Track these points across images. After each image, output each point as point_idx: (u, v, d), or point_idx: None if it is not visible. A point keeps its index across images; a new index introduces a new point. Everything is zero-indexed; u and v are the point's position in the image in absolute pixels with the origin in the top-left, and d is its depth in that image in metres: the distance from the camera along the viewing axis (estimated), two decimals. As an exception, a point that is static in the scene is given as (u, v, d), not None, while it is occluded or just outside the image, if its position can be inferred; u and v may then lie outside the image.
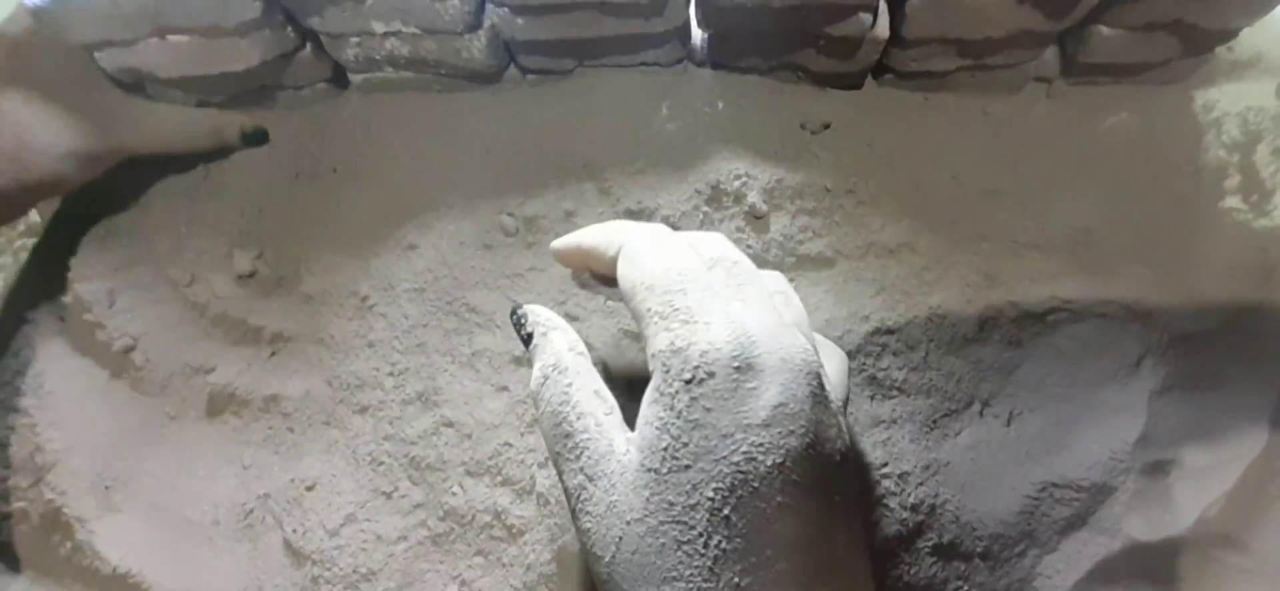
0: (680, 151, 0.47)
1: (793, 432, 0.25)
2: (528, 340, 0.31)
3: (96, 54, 0.46)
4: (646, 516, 0.25)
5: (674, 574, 0.24)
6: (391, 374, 0.45)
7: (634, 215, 0.46)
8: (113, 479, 0.46)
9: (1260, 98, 0.50)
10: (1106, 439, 0.44)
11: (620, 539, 0.25)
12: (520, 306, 0.32)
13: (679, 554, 0.24)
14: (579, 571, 0.41)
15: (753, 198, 0.45)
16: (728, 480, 0.24)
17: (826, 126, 0.48)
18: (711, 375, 0.25)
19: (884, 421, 0.43)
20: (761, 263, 0.45)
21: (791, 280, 0.45)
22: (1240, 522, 0.44)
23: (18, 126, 0.43)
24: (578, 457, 0.27)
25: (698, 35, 0.49)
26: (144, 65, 0.46)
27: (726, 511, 0.24)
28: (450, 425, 0.44)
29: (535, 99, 0.50)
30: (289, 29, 0.46)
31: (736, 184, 0.45)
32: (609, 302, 0.45)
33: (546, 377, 0.29)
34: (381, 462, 0.44)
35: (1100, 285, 0.46)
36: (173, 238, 0.50)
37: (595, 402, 0.28)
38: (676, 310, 0.26)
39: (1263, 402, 0.46)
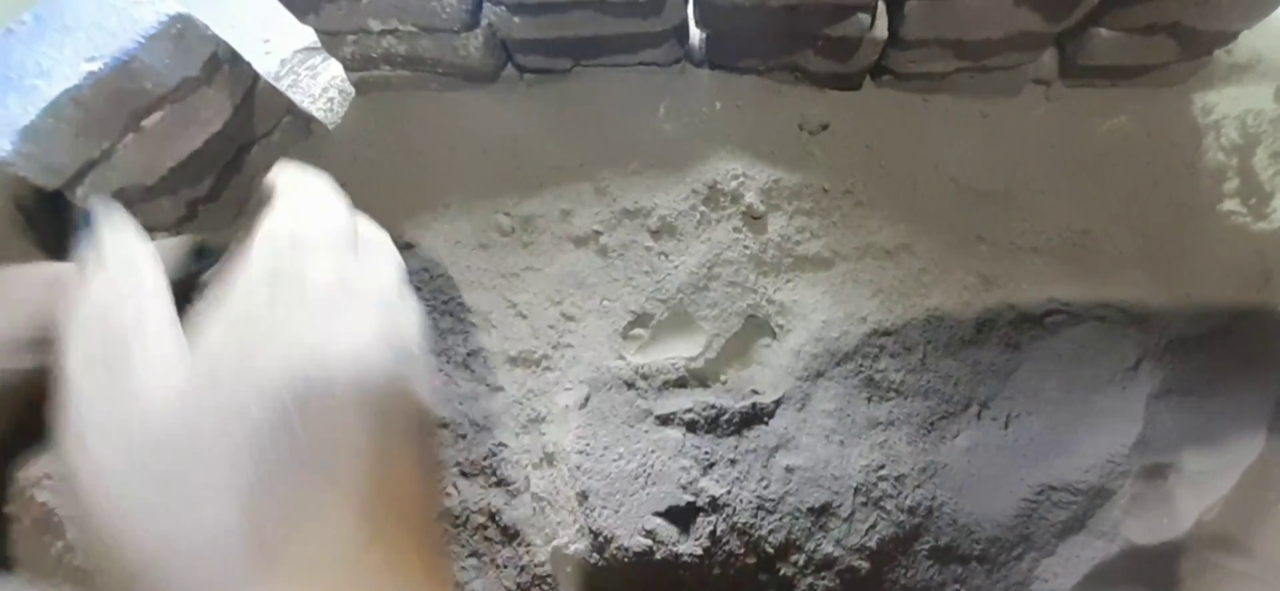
0: (677, 151, 0.46)
1: (370, 362, 0.24)
2: (88, 228, 0.27)
3: (78, 190, 0.41)
4: (195, 419, 0.22)
5: (218, 480, 0.21)
6: (386, 373, 0.45)
7: (630, 215, 0.45)
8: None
9: (1259, 101, 0.49)
10: (1104, 442, 0.44)
11: (158, 444, 0.22)
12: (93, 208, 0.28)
13: (226, 459, 0.22)
14: (575, 573, 0.41)
15: (750, 197, 0.45)
16: (292, 390, 0.22)
17: (825, 127, 0.48)
18: (280, 282, 0.24)
19: (881, 423, 0.43)
20: (759, 264, 0.45)
21: (789, 282, 0.45)
22: (1239, 526, 0.44)
23: None
24: (124, 362, 0.23)
25: (696, 35, 0.49)
26: (129, 178, 0.42)
27: (282, 422, 0.22)
28: (445, 425, 0.43)
29: (532, 98, 0.49)
30: (240, 63, 0.46)
31: (734, 184, 0.45)
32: (605, 302, 0.45)
33: (109, 271, 0.25)
34: (375, 463, 0.43)
35: (1098, 288, 0.46)
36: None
37: (162, 306, 0.24)
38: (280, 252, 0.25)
39: (1260, 406, 0.45)
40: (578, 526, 0.41)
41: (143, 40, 0.38)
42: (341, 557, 0.22)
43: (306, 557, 0.22)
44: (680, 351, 0.44)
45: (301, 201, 0.28)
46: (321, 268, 0.26)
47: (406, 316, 0.27)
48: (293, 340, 0.23)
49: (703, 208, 0.45)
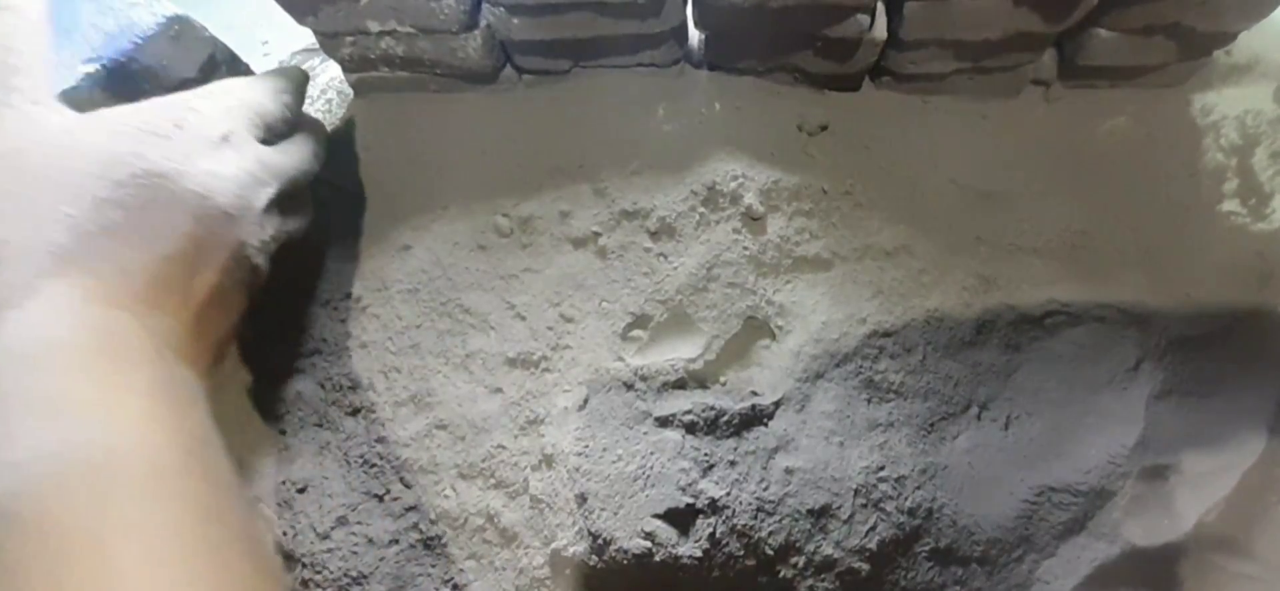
0: (677, 152, 0.46)
1: (217, 196, 0.31)
2: None
3: None
4: (70, 150, 0.29)
5: (62, 205, 0.27)
6: (384, 375, 0.44)
7: (629, 216, 0.45)
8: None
9: (1258, 101, 0.49)
10: (1105, 443, 0.44)
11: (30, 158, 0.28)
12: None
13: (76, 194, 0.28)
14: (574, 575, 0.41)
15: (749, 198, 0.45)
16: (151, 172, 0.29)
17: (824, 128, 0.48)
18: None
19: (881, 424, 0.43)
20: (758, 266, 0.44)
21: (788, 283, 0.45)
22: (1240, 528, 0.43)
23: None
24: (13, 74, 0.30)
25: (695, 36, 0.49)
26: None
27: (131, 189, 0.29)
28: (443, 427, 0.43)
29: (531, 100, 0.49)
30: (238, 64, 0.46)
31: (733, 185, 0.45)
32: (603, 304, 0.44)
33: None
34: (373, 465, 0.43)
35: (1098, 289, 0.46)
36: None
37: (44, 39, 0.32)
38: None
39: (1261, 407, 0.45)
40: (576, 528, 0.41)
41: (139, 41, 0.38)
42: (130, 289, 0.28)
43: (106, 275, 0.27)
44: (679, 353, 0.44)
45: (249, 80, 0.36)
46: (217, 120, 0.33)
47: (263, 195, 0.33)
48: (169, 145, 0.30)
49: (702, 209, 0.45)
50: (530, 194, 0.47)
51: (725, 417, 0.42)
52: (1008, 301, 0.45)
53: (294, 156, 0.37)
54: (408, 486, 0.43)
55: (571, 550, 0.40)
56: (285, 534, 0.42)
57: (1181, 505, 0.43)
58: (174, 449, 0.26)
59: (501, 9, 0.44)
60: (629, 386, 0.43)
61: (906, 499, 0.42)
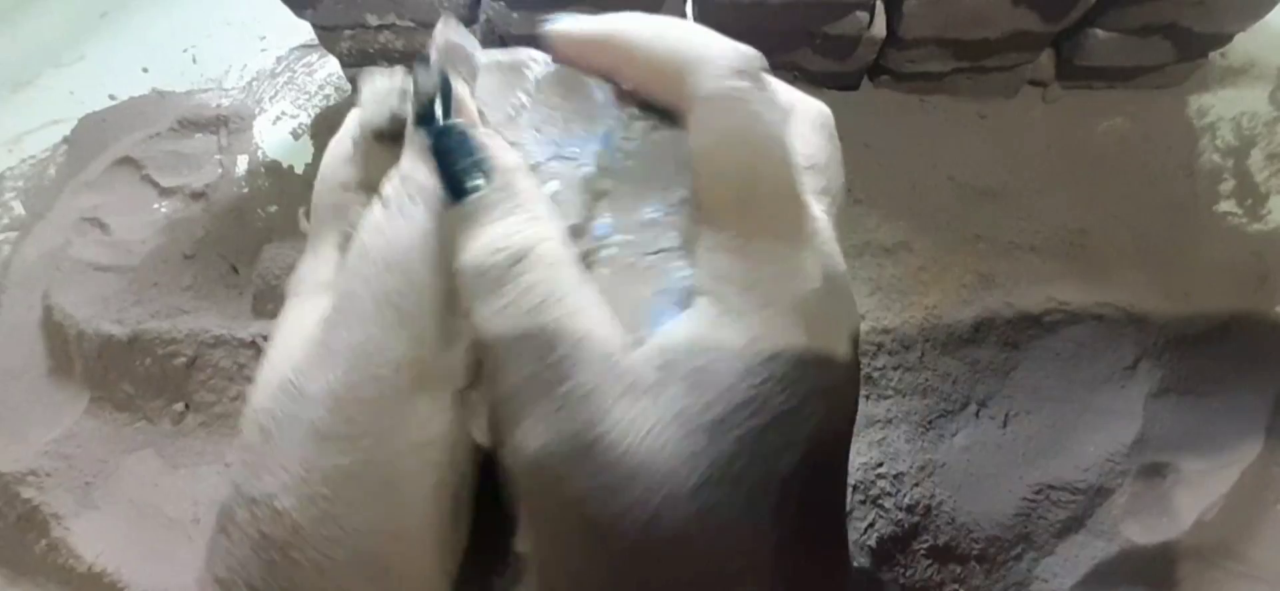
0: (675, 148, 0.46)
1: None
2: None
3: None
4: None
5: None
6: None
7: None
8: (92, 476, 0.45)
9: (1254, 103, 0.50)
10: (1103, 441, 0.43)
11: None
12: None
13: None
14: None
15: (748, 195, 0.45)
16: None
17: (822, 126, 0.48)
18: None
19: (879, 421, 0.43)
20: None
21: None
22: (1238, 528, 0.43)
23: None
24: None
25: (694, 33, 0.49)
26: None
27: None
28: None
29: (530, 95, 0.49)
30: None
31: (732, 181, 0.45)
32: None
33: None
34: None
35: (1096, 288, 0.46)
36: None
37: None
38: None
39: (1258, 407, 0.45)
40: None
41: None
42: None
43: None
44: (678, 348, 0.43)
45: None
46: None
47: None
48: None
49: (701, 204, 0.45)
50: (528, 189, 0.46)
51: (724, 413, 0.42)
52: (1006, 299, 0.45)
53: None
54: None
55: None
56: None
57: (1180, 504, 0.43)
58: None
59: (501, 3, 0.44)
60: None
61: (905, 495, 0.41)
